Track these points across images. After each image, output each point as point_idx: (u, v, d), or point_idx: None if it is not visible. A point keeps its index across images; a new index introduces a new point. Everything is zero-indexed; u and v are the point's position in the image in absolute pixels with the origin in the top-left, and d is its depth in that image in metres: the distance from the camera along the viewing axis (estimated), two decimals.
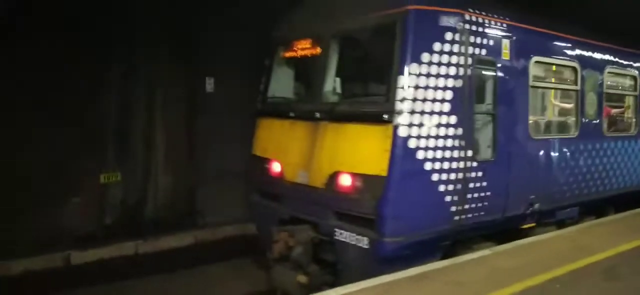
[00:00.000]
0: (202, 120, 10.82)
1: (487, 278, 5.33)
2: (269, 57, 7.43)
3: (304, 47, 6.78)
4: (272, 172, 6.76)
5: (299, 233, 6.14)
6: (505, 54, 6.47)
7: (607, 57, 8.36)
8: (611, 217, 8.37)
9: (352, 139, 5.80)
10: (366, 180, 5.52)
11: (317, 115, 6.17)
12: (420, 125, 5.55)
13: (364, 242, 5.56)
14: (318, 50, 6.50)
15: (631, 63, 8.93)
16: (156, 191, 10.62)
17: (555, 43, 7.44)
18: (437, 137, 5.67)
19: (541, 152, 7.07)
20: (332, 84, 6.33)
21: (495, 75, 6.34)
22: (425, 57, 5.59)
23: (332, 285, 5.54)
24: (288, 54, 7.14)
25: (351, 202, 5.67)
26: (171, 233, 9.88)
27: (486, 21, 6.22)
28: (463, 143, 5.87)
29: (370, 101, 6.12)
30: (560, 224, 7.58)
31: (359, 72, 6.64)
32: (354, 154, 5.74)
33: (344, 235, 5.78)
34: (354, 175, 5.65)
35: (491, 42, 6.28)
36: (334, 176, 5.86)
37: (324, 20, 6.46)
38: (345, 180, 5.73)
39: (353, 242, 5.67)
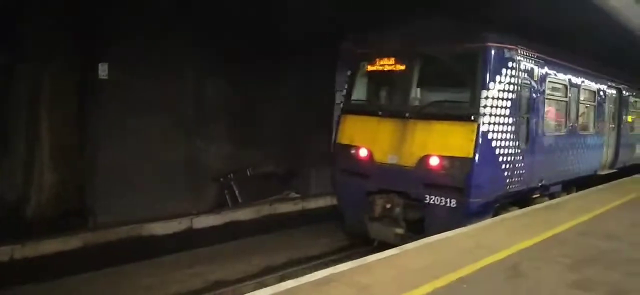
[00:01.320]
0: (98, 113, 9.80)
1: (395, 280, 5.06)
2: (352, 68, 9.50)
3: (389, 63, 8.83)
4: (359, 156, 8.80)
5: (396, 199, 8.39)
6: (535, 76, 9.19)
7: (581, 77, 11.39)
8: (508, 214, 8.50)
9: (441, 132, 8.05)
10: (455, 160, 7.81)
11: (407, 114, 8.39)
12: (493, 124, 7.98)
13: (452, 203, 7.84)
14: (404, 66, 8.63)
15: (592, 82, 12.17)
16: (40, 191, 9.46)
17: (558, 68, 10.20)
18: (502, 132, 8.13)
19: (549, 144, 9.88)
20: (416, 92, 8.61)
21: (530, 91, 8.98)
22: (497, 78, 8.10)
23: (416, 237, 7.13)
24: (372, 68, 9.17)
25: (440, 176, 7.92)
26: (56, 235, 8.74)
27: (527, 54, 8.87)
28: (515, 136, 8.43)
29: (456, 106, 8.31)
30: (551, 196, 10.27)
31: (440, 84, 8.67)
32: (443, 142, 7.97)
33: (433, 200, 8.00)
34: (443, 157, 7.90)
35: (529, 68, 8.97)
36: (423, 158, 8.05)
37: (409, 44, 8.53)
38: (435, 161, 7.97)
39: (441, 204, 7.93)
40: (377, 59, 9.05)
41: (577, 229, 7.63)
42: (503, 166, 8.27)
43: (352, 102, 9.42)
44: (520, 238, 6.84)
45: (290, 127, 13.44)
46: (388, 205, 8.49)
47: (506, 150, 8.28)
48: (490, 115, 7.97)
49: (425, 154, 8.07)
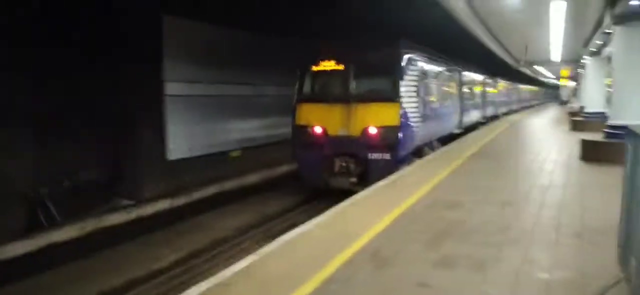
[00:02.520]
0: None
1: None
2: (301, 70, 12.45)
3: (330, 65, 12.13)
4: (315, 132, 11.97)
5: (348, 159, 11.74)
6: (424, 70, 13.76)
7: (443, 66, 16.74)
8: (357, 196, 8.45)
9: (375, 110, 11.56)
10: (387, 128, 11.43)
11: (349, 100, 11.74)
12: (407, 104, 11.77)
13: (387, 157, 11.43)
14: (342, 66, 11.97)
15: (446, 68, 17.25)
16: None
17: (433, 63, 15.23)
18: (411, 109, 12.02)
19: (433, 115, 14.35)
20: (354, 84, 11.87)
21: (422, 79, 13.28)
22: (406, 73, 12.02)
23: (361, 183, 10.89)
24: (316, 68, 12.31)
25: (378, 139, 11.46)
26: None
27: (420, 55, 13.48)
28: (418, 112, 12.48)
29: (383, 91, 11.85)
30: (432, 148, 14.87)
31: (370, 78, 12.10)
32: (377, 117, 11.51)
33: (373, 156, 11.51)
34: (378, 127, 11.46)
35: (421, 65, 13.38)
36: (365, 129, 11.56)
37: (345, 50, 11.99)
38: (373, 130, 11.49)
39: (380, 158, 11.46)
40: (321, 62, 12.23)
41: (423, 201, 7.78)
42: (414, 130, 12.33)
43: (303, 94, 12.39)
44: (373, 219, 6.68)
45: (112, 123, 11.85)
46: (343, 164, 11.86)
47: (414, 121, 12.30)
48: (404, 97, 11.74)
49: (366, 125, 11.64)
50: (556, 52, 23.36)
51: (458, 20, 13.38)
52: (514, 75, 38.11)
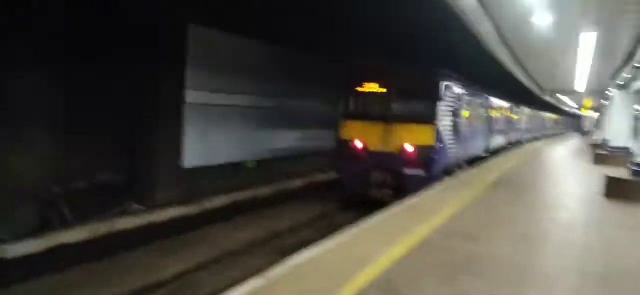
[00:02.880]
0: None
1: None
2: (349, 90, 13.78)
3: (373, 87, 13.48)
4: (356, 146, 13.33)
5: (387, 173, 13.04)
6: (459, 96, 14.92)
7: (473, 94, 17.55)
8: (372, 220, 8.21)
9: (412, 129, 12.87)
10: (422, 147, 12.70)
11: (389, 119, 13.12)
12: (442, 126, 13.09)
13: (421, 173, 12.63)
14: (385, 89, 13.30)
15: (477, 96, 18.53)
16: None
17: (466, 90, 16.12)
18: (446, 131, 13.41)
19: (465, 136, 15.73)
20: (395, 106, 13.16)
21: (457, 105, 14.66)
22: (443, 98, 13.14)
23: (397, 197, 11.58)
24: (360, 89, 13.63)
25: (412, 158, 12.71)
26: None
27: (454, 84, 14.38)
28: (451, 134, 13.93)
29: (422, 114, 13.06)
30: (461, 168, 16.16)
31: (410, 101, 13.25)
32: (414, 136, 12.80)
33: (409, 172, 12.72)
34: (414, 145, 12.72)
35: (456, 93, 14.51)
36: (402, 146, 12.86)
37: (389, 75, 13.29)
38: (409, 148, 12.76)
39: (415, 174, 12.66)
40: (365, 84, 13.69)
41: (441, 230, 7.53)
42: (446, 150, 13.68)
43: (350, 111, 13.84)
44: (388, 247, 6.46)
45: (130, 126, 11.84)
46: (381, 177, 13.20)
47: (450, 141, 13.99)
48: (441, 119, 13.25)
49: (403, 143, 13.03)
50: (581, 83, 22.97)
51: (486, 46, 13.18)
52: (538, 103, 38.26)
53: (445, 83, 13.63)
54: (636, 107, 23.08)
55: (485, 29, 12.18)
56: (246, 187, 14.83)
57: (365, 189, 13.34)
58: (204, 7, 13.05)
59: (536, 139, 40.31)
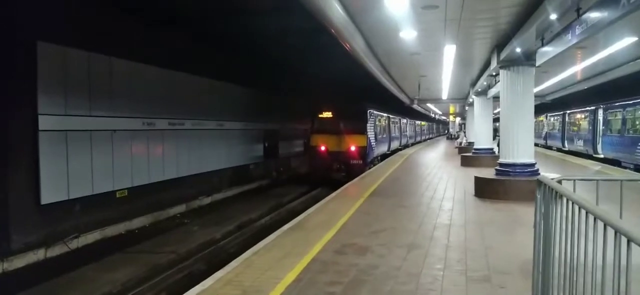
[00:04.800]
0: None
1: None
2: (313, 116, 24.91)
3: (327, 115, 24.62)
4: (321, 150, 24.00)
5: (342, 163, 23.84)
6: (375, 118, 27.34)
7: (383, 114, 30.76)
8: (261, 244, 8.08)
9: (355, 137, 23.88)
10: (360, 147, 23.88)
11: (340, 132, 24.01)
12: (370, 135, 24.94)
13: (361, 163, 23.50)
14: (335, 116, 24.43)
15: (384, 114, 31.01)
16: None
17: (380, 112, 29.12)
18: (373, 138, 25.66)
19: (378, 141, 28.06)
20: (341, 125, 24.11)
21: (374, 123, 26.83)
22: (370, 121, 25.32)
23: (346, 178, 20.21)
24: (320, 116, 24.68)
25: (355, 153, 23.76)
26: None
27: (374, 111, 26.68)
28: (375, 139, 26.17)
29: (357, 128, 24.17)
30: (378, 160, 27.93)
31: (352, 122, 24.11)
32: (355, 141, 23.82)
33: (354, 163, 23.49)
34: (356, 146, 23.77)
35: (374, 115, 26.81)
36: (348, 147, 23.71)
37: (335, 108, 24.64)
38: (353, 148, 23.70)
39: (356, 163, 23.45)
40: (323, 112, 24.58)
41: (330, 246, 7.61)
42: (372, 149, 24.86)
43: (314, 128, 24.47)
44: (282, 270, 6.37)
45: None
46: (338, 166, 23.54)
47: (373, 143, 25.19)
48: (369, 132, 24.43)
49: (350, 146, 23.50)
50: (446, 90, 24.98)
51: (360, 62, 13.75)
52: (412, 113, 44.10)
53: (368, 110, 24.96)
54: (495, 111, 25.79)
55: (356, 43, 12.77)
56: (118, 220, 13.91)
57: (327, 174, 23.42)
58: (58, 21, 12.02)
59: (415, 143, 47.87)
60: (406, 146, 42.31)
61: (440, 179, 17.25)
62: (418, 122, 55.82)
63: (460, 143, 35.19)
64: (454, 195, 13.12)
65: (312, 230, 8.80)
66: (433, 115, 59.07)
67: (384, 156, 29.70)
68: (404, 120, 42.82)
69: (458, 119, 57.39)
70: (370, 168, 23.19)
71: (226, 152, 22.15)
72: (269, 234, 8.70)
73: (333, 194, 13.73)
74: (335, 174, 23.19)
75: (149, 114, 16.33)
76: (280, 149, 29.12)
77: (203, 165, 19.75)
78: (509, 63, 12.10)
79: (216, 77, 20.95)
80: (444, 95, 27.50)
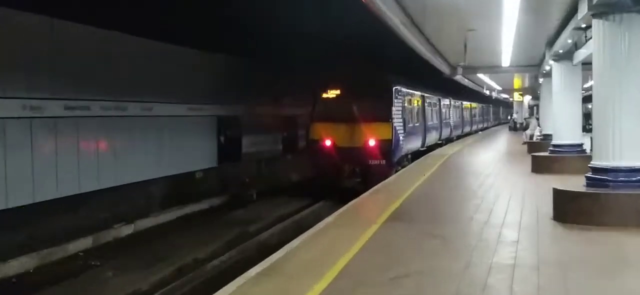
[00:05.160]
0: None
1: None
2: (314, 97, 26.45)
3: (335, 93, 26.06)
4: (325, 145, 25.04)
5: (356, 165, 24.96)
6: (413, 100, 31.59)
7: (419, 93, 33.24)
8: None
9: (375, 127, 24.95)
10: (383, 141, 24.90)
11: (354, 118, 25.01)
12: (397, 123, 26.06)
13: (383, 164, 24.67)
14: (346, 95, 25.55)
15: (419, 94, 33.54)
16: None
17: (412, 91, 31.23)
18: (401, 127, 26.78)
19: (410, 131, 29.65)
20: (356, 108, 24.93)
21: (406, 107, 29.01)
22: (397, 102, 26.53)
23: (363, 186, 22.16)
24: (325, 96, 26.17)
25: (376, 150, 24.68)
26: None
27: (403, 89, 28.33)
28: (403, 130, 27.25)
29: (379, 113, 25.28)
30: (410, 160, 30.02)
31: (370, 103, 25.22)
32: (376, 132, 24.84)
33: (373, 162, 24.63)
34: (377, 140, 24.79)
35: (409, 96, 30.09)
36: (366, 141, 24.82)
37: (347, 82, 25.85)
38: (373, 142, 24.75)
39: (377, 164, 24.59)
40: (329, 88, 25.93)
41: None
42: (399, 144, 25.74)
43: (316, 113, 25.55)
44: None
45: None
46: (352, 168, 24.34)
47: (402, 133, 26.10)
48: (395, 118, 25.19)
49: (367, 138, 24.34)
50: (507, 54, 24.64)
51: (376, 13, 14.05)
52: (452, 90, 44.50)
53: (398, 86, 26.41)
54: (586, 86, 25.26)
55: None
56: None
57: (338, 179, 24.67)
58: None
59: (461, 135, 49.24)
60: (449, 140, 42.98)
61: (498, 192, 17.01)
62: (465, 104, 56.07)
63: (531, 136, 34.84)
64: (521, 219, 12.80)
65: (294, 278, 8.56)
66: (488, 94, 57.87)
67: (415, 155, 30.17)
68: (445, 101, 42.94)
69: (527, 99, 56.68)
70: (397, 171, 23.56)
71: (156, 153, 21.73)
72: (225, 284, 8.37)
73: (332, 216, 13.57)
74: (345, 180, 24.22)
75: (34, 91, 16.13)
76: (247, 146, 28.66)
77: (120, 175, 19.50)
78: (607, 8, 11.77)
79: (146, 34, 20.64)
80: (505, 61, 27.11)
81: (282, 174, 29.91)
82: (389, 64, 29.88)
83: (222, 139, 26.63)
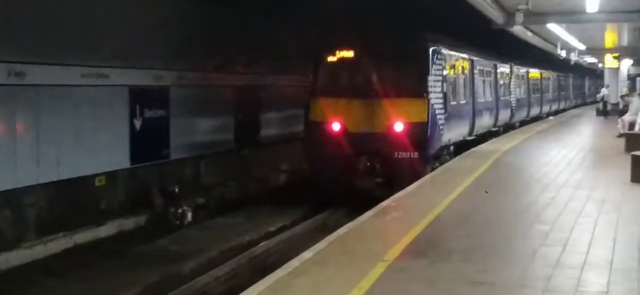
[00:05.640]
0: None
1: None
2: (315, 61, 20.38)
3: (346, 55, 19.51)
4: (331, 130, 18.57)
5: (374, 157, 18.84)
6: (459, 66, 24.46)
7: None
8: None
9: (404, 104, 18.57)
10: (415, 125, 18.45)
11: (373, 93, 18.79)
12: (436, 99, 19.66)
13: (415, 155, 18.23)
14: (361, 58, 19.21)
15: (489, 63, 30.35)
16: None
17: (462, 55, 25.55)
18: (441, 106, 20.09)
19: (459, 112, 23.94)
20: (375, 77, 18.92)
21: (448, 77, 22.43)
22: (435, 69, 20.04)
23: (387, 187, 17.51)
24: (330, 59, 19.81)
25: (404, 138, 18.18)
26: None
27: (444, 50, 21.49)
28: (444, 109, 20.65)
29: (409, 85, 19.29)
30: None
31: (397, 71, 19.48)
32: (404, 113, 18.42)
33: (401, 155, 18.22)
34: (406, 123, 18.29)
35: (452, 61, 23.15)
36: (390, 125, 18.45)
37: (363, 40, 19.49)
38: (400, 126, 18.27)
39: (407, 156, 18.20)
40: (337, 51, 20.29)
41: None
42: (438, 129, 20.01)
43: (318, 88, 20.38)
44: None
45: None
46: (369, 163, 19.04)
47: (441, 116, 20.33)
48: (433, 91, 19.75)
49: (392, 121, 18.76)
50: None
51: None
52: (511, 51, 35.55)
53: (439, 48, 20.46)
54: None
55: None
56: None
57: (349, 178, 19.03)
58: None
59: (525, 120, 39.06)
60: (509, 127, 34.28)
61: (577, 212, 13.67)
62: (532, 72, 43.47)
63: (631, 124, 28.31)
64: (613, 257, 10.08)
65: None
66: (564, 56, 43.75)
67: (458, 148, 23.24)
68: (503, 69, 33.35)
69: (626, 65, 43.81)
70: (433, 169, 18.71)
71: (31, 145, 15.63)
72: None
73: (315, 247, 10.76)
74: (360, 181, 18.30)
75: None
76: (178, 135, 20.98)
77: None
78: None
79: None
80: (591, 6, 20.95)
81: (236, 178, 22.97)
82: (420, 14, 23.60)
83: (137, 124, 19.31)
